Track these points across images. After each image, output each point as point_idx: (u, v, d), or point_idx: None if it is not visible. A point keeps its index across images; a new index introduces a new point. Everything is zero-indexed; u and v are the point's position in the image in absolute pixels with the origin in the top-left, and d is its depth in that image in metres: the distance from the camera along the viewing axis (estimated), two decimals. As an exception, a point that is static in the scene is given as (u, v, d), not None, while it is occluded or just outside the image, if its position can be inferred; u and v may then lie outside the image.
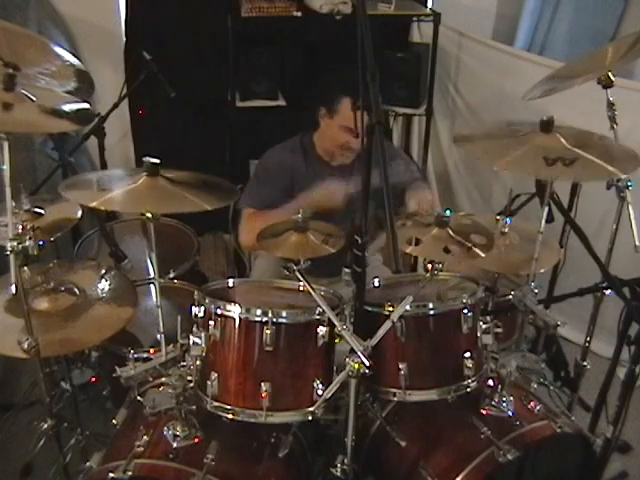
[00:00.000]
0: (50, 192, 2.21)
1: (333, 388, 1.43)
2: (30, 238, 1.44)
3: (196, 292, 1.60)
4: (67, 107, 1.60)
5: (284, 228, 1.70)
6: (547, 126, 1.71)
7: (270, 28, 3.16)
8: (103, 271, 1.89)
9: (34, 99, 1.52)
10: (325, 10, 2.94)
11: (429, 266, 1.70)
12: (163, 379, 1.65)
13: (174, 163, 1.66)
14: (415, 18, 3.34)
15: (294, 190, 2.26)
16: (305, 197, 2.11)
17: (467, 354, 1.63)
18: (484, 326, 1.68)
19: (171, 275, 2.33)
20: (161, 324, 1.67)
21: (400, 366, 1.58)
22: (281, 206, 2.12)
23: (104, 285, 1.84)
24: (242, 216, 2.28)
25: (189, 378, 1.57)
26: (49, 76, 1.68)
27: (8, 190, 1.42)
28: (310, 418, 1.53)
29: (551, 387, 2.20)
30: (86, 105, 1.65)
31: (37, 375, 1.62)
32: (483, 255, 1.63)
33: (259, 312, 1.49)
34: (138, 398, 1.63)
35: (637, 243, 1.77)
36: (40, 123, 1.55)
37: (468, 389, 1.63)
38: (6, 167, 1.41)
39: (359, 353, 1.34)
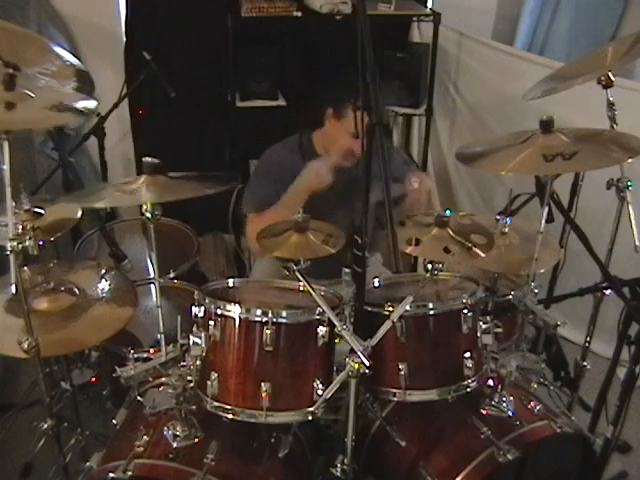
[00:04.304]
0: (50, 192, 2.21)
1: (333, 388, 1.43)
2: (30, 238, 1.44)
3: (196, 292, 1.60)
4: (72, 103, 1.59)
5: (284, 228, 1.70)
6: (547, 126, 1.71)
7: (270, 28, 3.17)
8: (103, 271, 1.89)
9: (33, 95, 1.51)
10: (325, 10, 2.94)
11: (429, 266, 1.71)
12: (163, 379, 1.65)
13: (174, 163, 1.66)
14: (415, 18, 3.33)
15: None
16: (295, 185, 2.09)
17: (467, 354, 1.63)
18: (484, 326, 1.68)
19: (171, 275, 2.33)
20: (161, 324, 1.67)
21: (400, 366, 1.58)
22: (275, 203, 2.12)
23: (104, 285, 1.84)
24: (248, 222, 2.28)
25: (189, 378, 1.57)
26: (49, 76, 1.67)
27: (8, 190, 1.42)
28: (310, 418, 1.53)
29: (551, 387, 2.20)
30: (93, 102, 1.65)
31: (37, 375, 1.62)
32: (483, 255, 1.63)
33: (259, 312, 1.49)
34: (138, 398, 1.63)
35: (637, 243, 1.77)
36: (44, 119, 1.54)
37: (468, 389, 1.63)
38: (6, 167, 1.40)
39: (359, 353, 1.34)
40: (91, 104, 1.60)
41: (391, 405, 1.75)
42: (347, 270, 1.44)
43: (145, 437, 1.58)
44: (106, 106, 2.49)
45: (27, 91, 1.51)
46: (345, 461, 1.49)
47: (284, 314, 1.50)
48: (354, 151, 2.14)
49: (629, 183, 1.86)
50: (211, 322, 1.54)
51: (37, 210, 1.96)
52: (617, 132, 1.86)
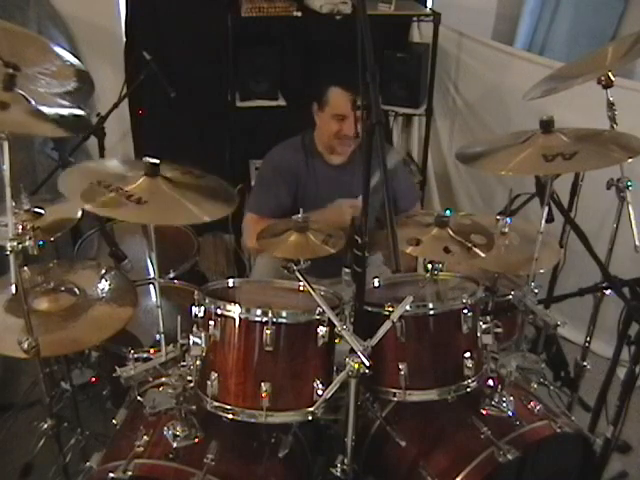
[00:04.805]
0: (50, 192, 2.21)
1: (333, 388, 1.43)
2: (30, 238, 1.44)
3: (196, 292, 1.60)
4: (63, 112, 1.59)
5: (284, 228, 1.71)
6: (547, 126, 1.71)
7: (270, 28, 3.17)
8: (103, 271, 1.89)
9: (32, 101, 1.51)
10: (325, 10, 2.94)
11: (429, 266, 1.71)
12: (163, 379, 1.65)
13: (174, 163, 1.66)
14: (415, 18, 3.33)
15: (298, 191, 2.26)
16: (315, 214, 1.97)
17: (467, 354, 1.63)
18: (484, 326, 1.68)
19: (171, 275, 2.34)
20: (161, 324, 1.67)
21: (400, 366, 1.58)
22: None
23: (104, 285, 1.84)
24: (245, 220, 2.30)
25: (189, 378, 1.57)
26: (49, 76, 1.67)
27: (8, 190, 1.42)
28: (310, 418, 1.53)
29: (551, 387, 2.20)
30: (82, 112, 1.64)
31: (37, 375, 1.62)
32: (483, 255, 1.63)
33: (259, 312, 1.49)
34: (138, 398, 1.63)
35: (637, 243, 1.77)
36: (35, 125, 1.53)
37: (468, 389, 1.63)
38: (6, 167, 1.40)
39: (359, 353, 1.34)
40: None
41: (391, 405, 1.75)
42: (347, 270, 1.44)
43: (145, 437, 1.58)
44: (106, 106, 2.49)
45: (25, 94, 1.51)
46: (345, 461, 1.49)
47: (284, 314, 1.49)
48: (345, 133, 2.14)
49: (629, 183, 1.86)
50: (211, 322, 1.54)
51: (37, 210, 1.97)
52: (617, 132, 1.86)
